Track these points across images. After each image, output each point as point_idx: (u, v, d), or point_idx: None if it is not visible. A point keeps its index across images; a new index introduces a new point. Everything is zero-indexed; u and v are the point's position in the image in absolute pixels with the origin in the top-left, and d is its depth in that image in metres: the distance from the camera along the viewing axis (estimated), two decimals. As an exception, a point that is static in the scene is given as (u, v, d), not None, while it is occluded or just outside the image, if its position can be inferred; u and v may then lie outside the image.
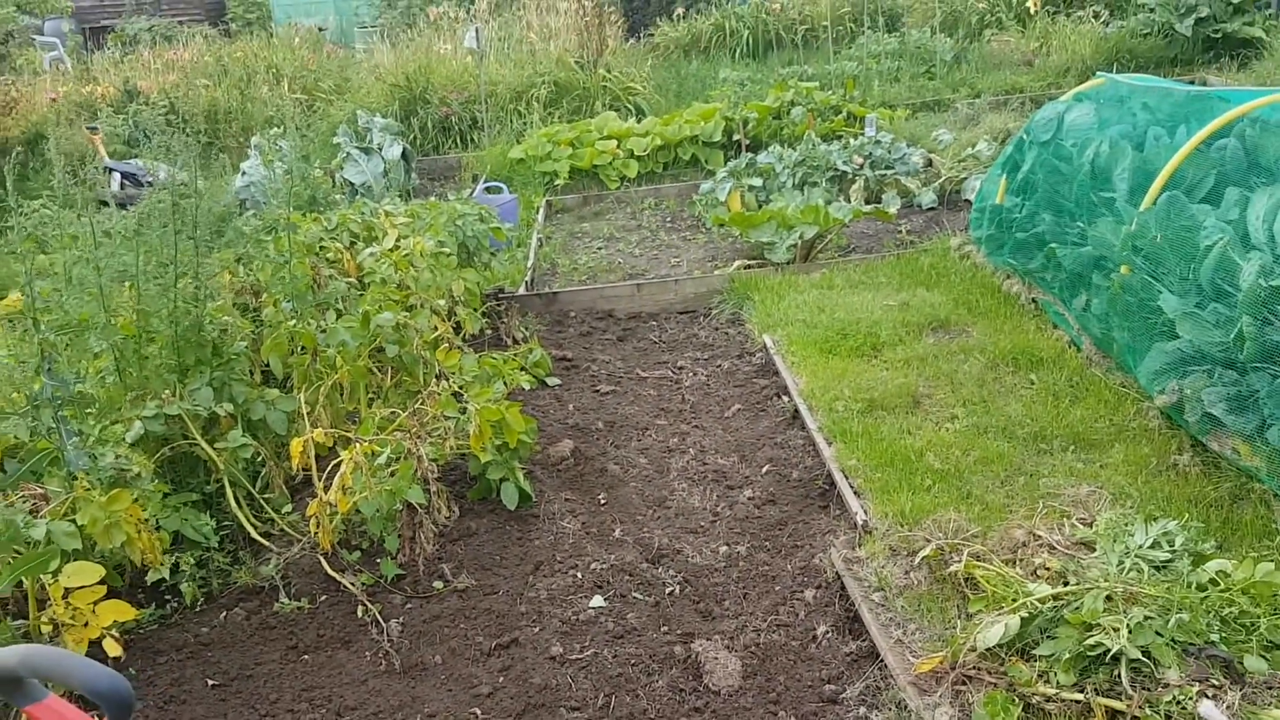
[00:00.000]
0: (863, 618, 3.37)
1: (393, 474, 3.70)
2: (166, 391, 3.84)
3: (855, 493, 4.02)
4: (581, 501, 4.36)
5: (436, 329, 4.83)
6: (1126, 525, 3.25)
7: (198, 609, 3.71)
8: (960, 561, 3.30)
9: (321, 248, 5.49)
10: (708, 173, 10.33)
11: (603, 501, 4.36)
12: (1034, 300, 5.56)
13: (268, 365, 4.47)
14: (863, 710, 3.00)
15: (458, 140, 12.71)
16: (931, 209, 8.37)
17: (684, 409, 5.27)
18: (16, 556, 3.19)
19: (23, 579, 3.25)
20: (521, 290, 7.04)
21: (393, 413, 4.10)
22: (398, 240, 5.58)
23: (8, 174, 3.77)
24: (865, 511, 3.85)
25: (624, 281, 7.27)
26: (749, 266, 7.17)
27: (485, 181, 9.72)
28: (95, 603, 3.25)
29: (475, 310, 5.44)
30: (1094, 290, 4.83)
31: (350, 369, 4.28)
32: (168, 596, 3.73)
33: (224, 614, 3.68)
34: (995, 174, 6.35)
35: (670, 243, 8.53)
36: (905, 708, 2.93)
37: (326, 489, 3.66)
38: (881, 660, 3.16)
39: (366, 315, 4.42)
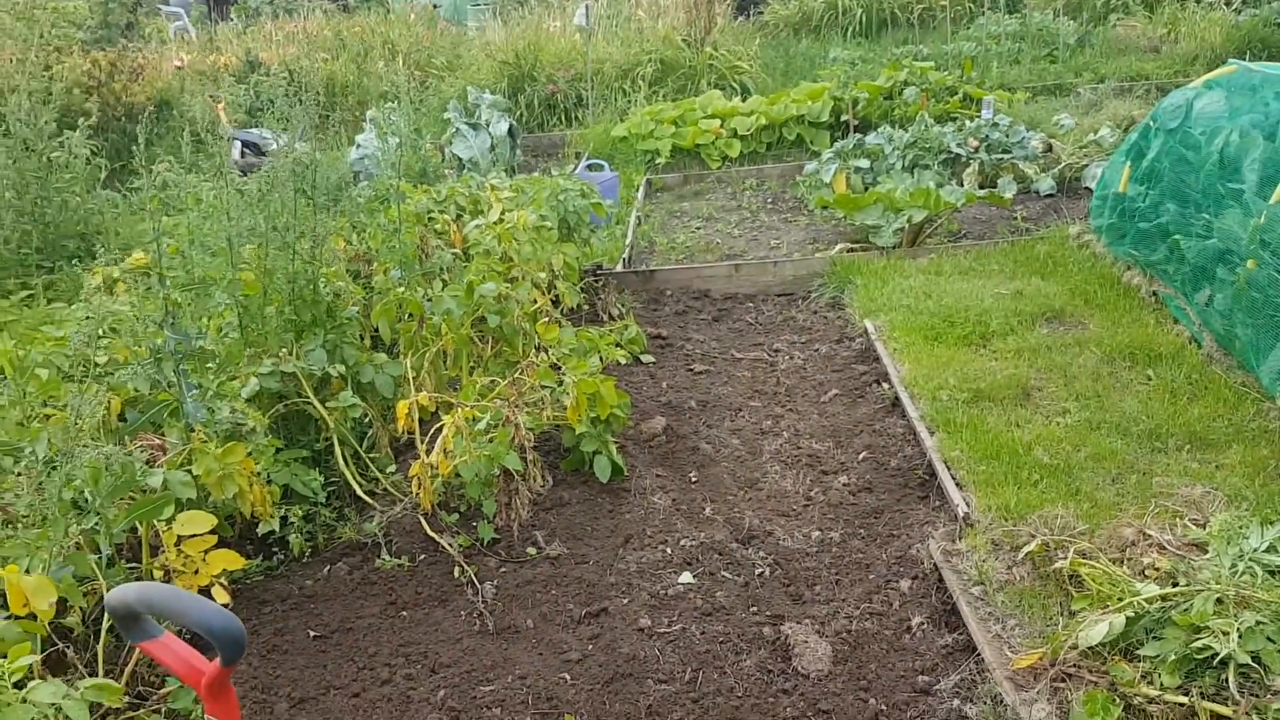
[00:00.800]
0: (960, 610, 3.29)
1: (491, 440, 3.76)
2: (283, 350, 3.97)
3: (957, 484, 3.92)
4: (672, 478, 4.36)
5: (536, 301, 4.88)
6: (1241, 528, 3.10)
7: (303, 561, 3.84)
8: (1066, 558, 3.19)
9: (430, 219, 5.60)
10: (812, 154, 10.18)
11: (694, 480, 4.35)
12: (1155, 293, 5.33)
13: (376, 330, 4.58)
14: (956, 703, 2.94)
15: (562, 117, 12.81)
16: (1050, 196, 8.09)
17: (779, 392, 5.22)
18: (133, 501, 3.34)
19: (137, 526, 3.41)
20: (619, 267, 7.06)
21: (492, 381, 4.16)
22: (502, 214, 5.65)
23: (137, 137, 3.93)
24: (967, 504, 3.76)
25: (721, 262, 7.23)
26: (852, 250, 7.05)
27: (587, 159, 9.77)
28: (206, 551, 3.39)
29: (574, 284, 5.47)
30: (1218, 285, 4.61)
31: (454, 337, 4.36)
32: (275, 549, 3.87)
33: (328, 568, 3.80)
34: (1119, 161, 6.09)
35: (770, 224, 8.44)
36: (1001, 702, 2.86)
37: (429, 451, 3.74)
38: (978, 654, 3.09)
39: (470, 285, 4.49)
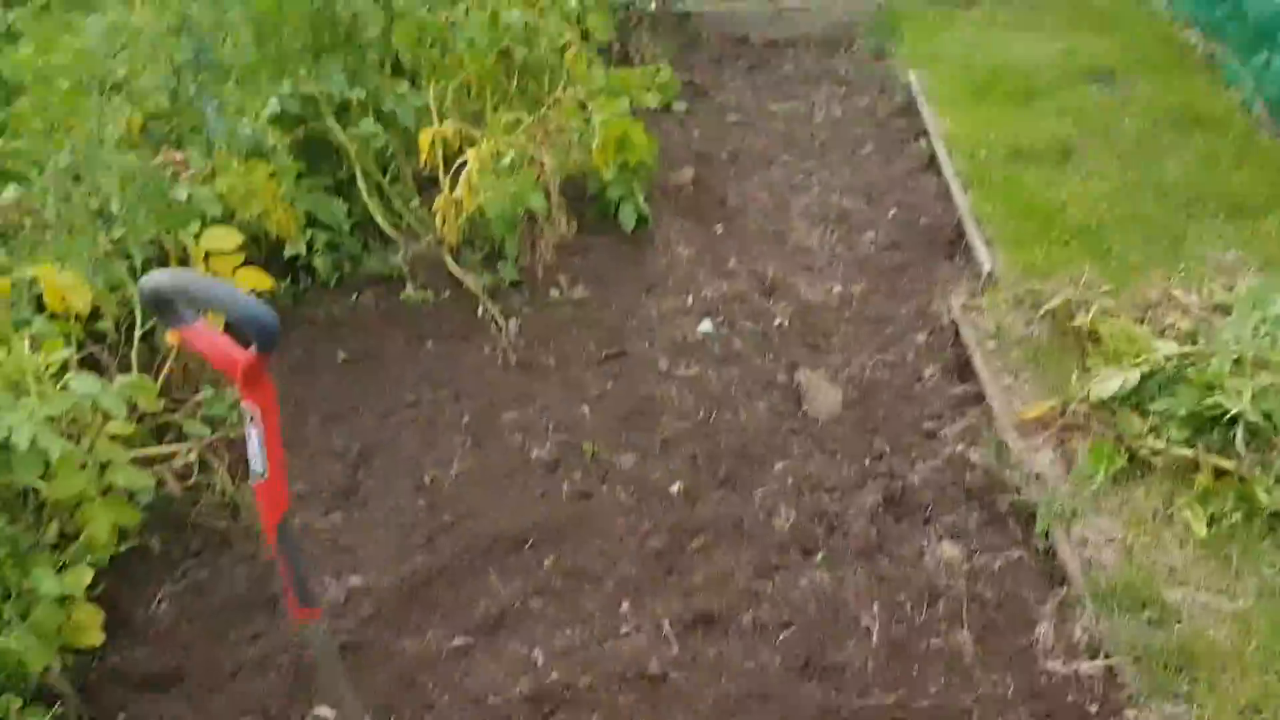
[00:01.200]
0: (974, 363, 3.34)
1: (516, 179, 3.70)
2: (302, 70, 3.85)
3: (986, 242, 3.87)
4: (698, 230, 4.33)
5: (564, 34, 4.65)
6: (1269, 293, 3.06)
7: (329, 289, 3.89)
8: (1088, 315, 3.19)
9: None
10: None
11: (719, 232, 4.32)
12: (1211, 55, 5.04)
13: (397, 60, 4.41)
14: (960, 448, 3.03)
15: None
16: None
17: (813, 145, 5.08)
18: (161, 213, 3.34)
19: (164, 241, 3.44)
20: (652, 5, 6.70)
21: (518, 119, 4.04)
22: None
23: None
24: (993, 260, 3.72)
25: (759, 5, 6.82)
26: (902, -3, 6.63)
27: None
28: (234, 269, 3.43)
29: (605, 19, 5.20)
30: (1278, 48, 4.34)
31: (478, 68, 4.20)
32: (301, 274, 3.91)
33: (354, 296, 3.86)
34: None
35: (818, -32, 7.90)
36: (1005, 448, 2.95)
37: (453, 187, 3.70)
38: (986, 404, 3.15)
39: (495, 13, 4.28)
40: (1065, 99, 4.89)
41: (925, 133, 4.94)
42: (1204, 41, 5.10)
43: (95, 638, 2.47)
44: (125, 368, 3.18)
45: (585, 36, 4.78)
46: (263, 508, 1.85)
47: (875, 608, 2.51)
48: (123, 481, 2.65)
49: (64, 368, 2.66)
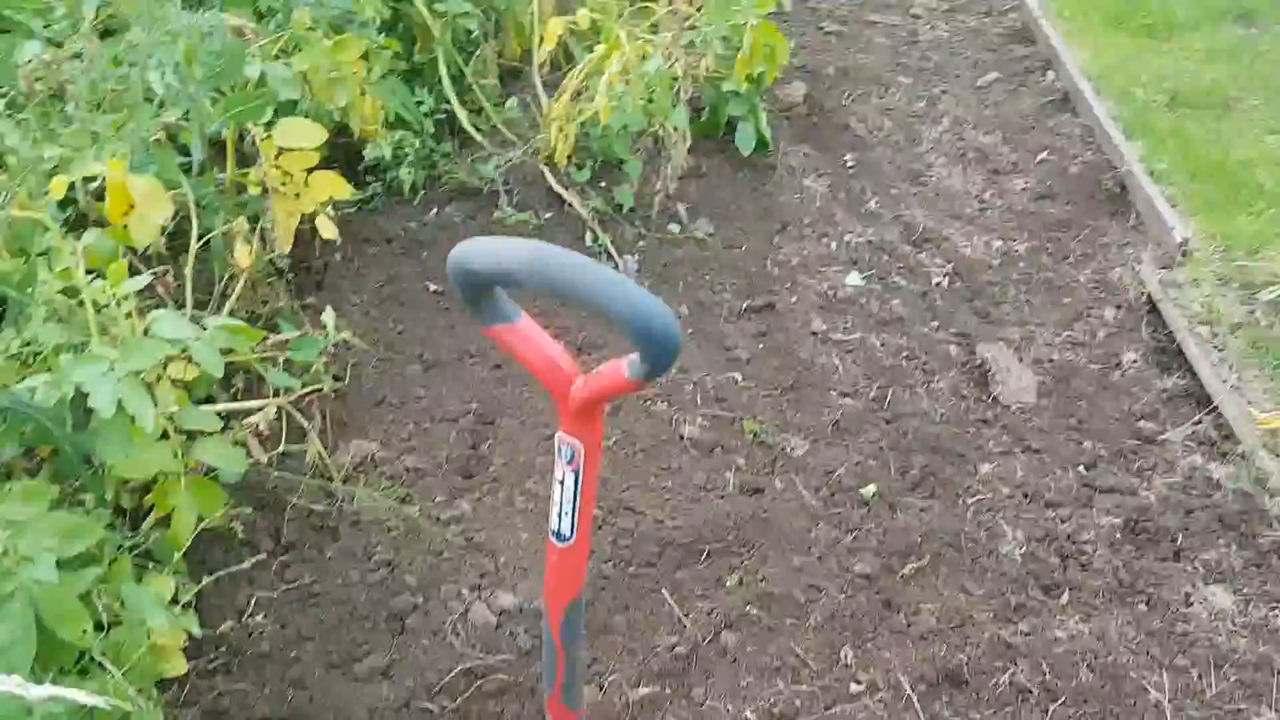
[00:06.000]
0: (1187, 352, 2.88)
1: (651, 88, 3.06)
2: (386, -70, 3.10)
3: (1169, 203, 3.38)
4: (824, 159, 3.75)
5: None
6: None
7: (409, 202, 3.23)
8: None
9: None
10: None
11: (849, 164, 3.74)
12: (1371, 5, 4.57)
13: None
14: (1197, 459, 2.59)
15: None
16: None
17: (926, 68, 4.49)
18: (228, 95, 2.63)
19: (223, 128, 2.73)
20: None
21: (637, 7, 3.37)
22: None
23: None
24: (1186, 228, 3.24)
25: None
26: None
27: None
28: (309, 170, 2.75)
29: None
30: None
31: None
32: (370, 180, 3.23)
33: (435, 211, 3.21)
34: None
35: None
36: (1253, 464, 2.52)
37: (578, 91, 3.04)
38: (1214, 406, 2.71)
39: None
40: (1208, 39, 4.38)
41: (1050, 64, 4.40)
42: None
43: (178, 665, 1.88)
44: (178, 293, 2.52)
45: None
46: (554, 578, 1.29)
47: (1160, 675, 2.07)
48: (210, 456, 2.04)
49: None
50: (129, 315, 1.93)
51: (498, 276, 1.07)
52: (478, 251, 1.06)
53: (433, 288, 2.95)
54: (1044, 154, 3.83)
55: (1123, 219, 3.49)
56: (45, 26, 2.89)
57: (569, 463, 1.18)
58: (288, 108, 2.78)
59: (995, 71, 4.42)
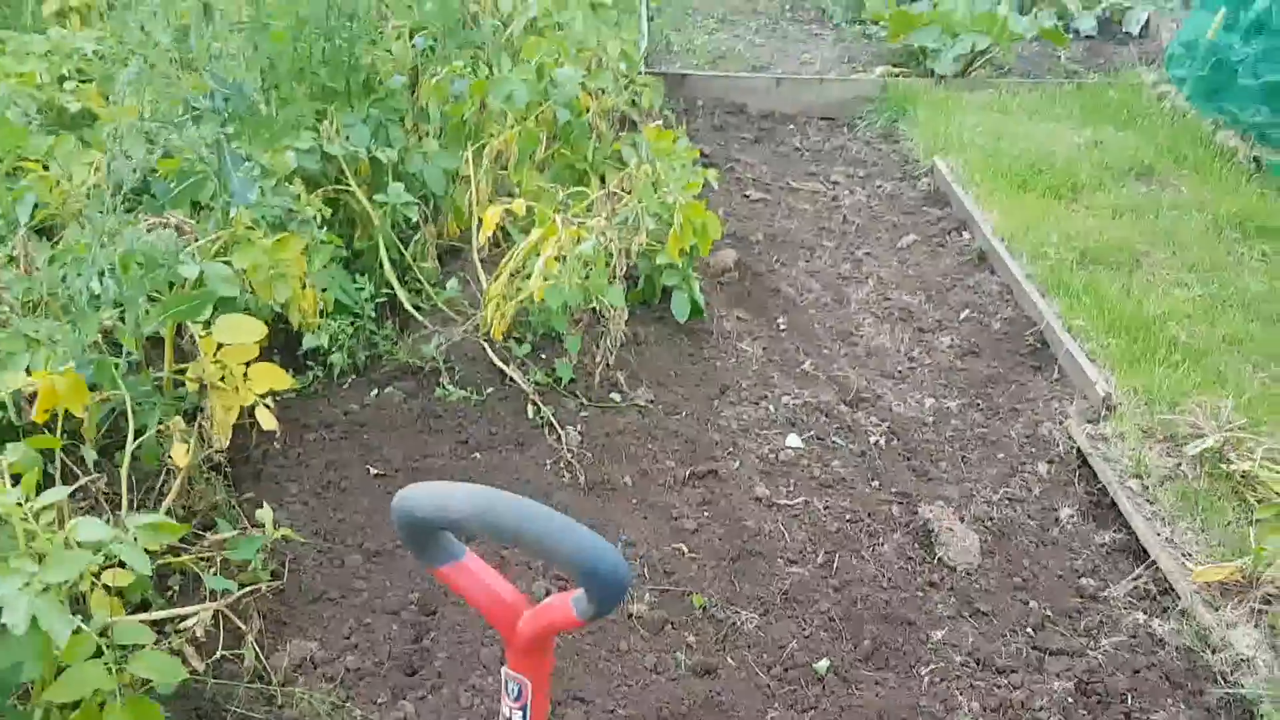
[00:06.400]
0: (1120, 506, 2.95)
1: (588, 265, 3.15)
2: (325, 123, 3.21)
3: (1088, 357, 3.52)
4: (757, 323, 3.86)
5: (616, 95, 4.13)
6: None
7: (348, 384, 3.23)
8: (1254, 459, 2.85)
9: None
10: (832, -39, 9.27)
11: (782, 327, 3.86)
12: (1256, 159, 4.92)
13: (416, 115, 3.81)
14: (1139, 616, 2.62)
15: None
16: (1090, 36, 7.49)
17: (848, 231, 4.70)
18: (163, 295, 2.65)
19: (160, 327, 2.74)
20: (642, 67, 6.25)
21: (572, 192, 3.50)
22: (544, -17, 4.77)
23: None
24: (1108, 383, 3.37)
25: (759, 74, 6.48)
26: (895, 74, 6.40)
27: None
28: (248, 364, 2.75)
29: (656, 84, 4.69)
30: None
31: (521, 131, 3.64)
32: (309, 364, 3.24)
33: (375, 392, 3.20)
34: (1210, 7, 5.53)
35: (794, 35, 7.66)
36: (1192, 619, 2.56)
37: (515, 271, 3.12)
38: (1151, 560, 2.76)
39: (542, 68, 3.73)
40: (1113, 197, 4.66)
41: (965, 225, 4.64)
42: (1246, 146, 4.97)
43: None
44: (112, 493, 2.46)
45: (635, 102, 4.29)
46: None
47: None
48: (146, 670, 1.95)
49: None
50: (50, 524, 1.88)
51: (443, 523, 1.08)
52: (422, 497, 1.07)
53: (373, 471, 2.92)
54: (966, 311, 3.99)
55: (1047, 373, 3.62)
56: (-20, 228, 2.92)
57: (516, 699, 1.16)
58: (227, 303, 2.80)
59: (914, 234, 4.63)
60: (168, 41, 3.27)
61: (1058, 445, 3.26)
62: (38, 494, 1.91)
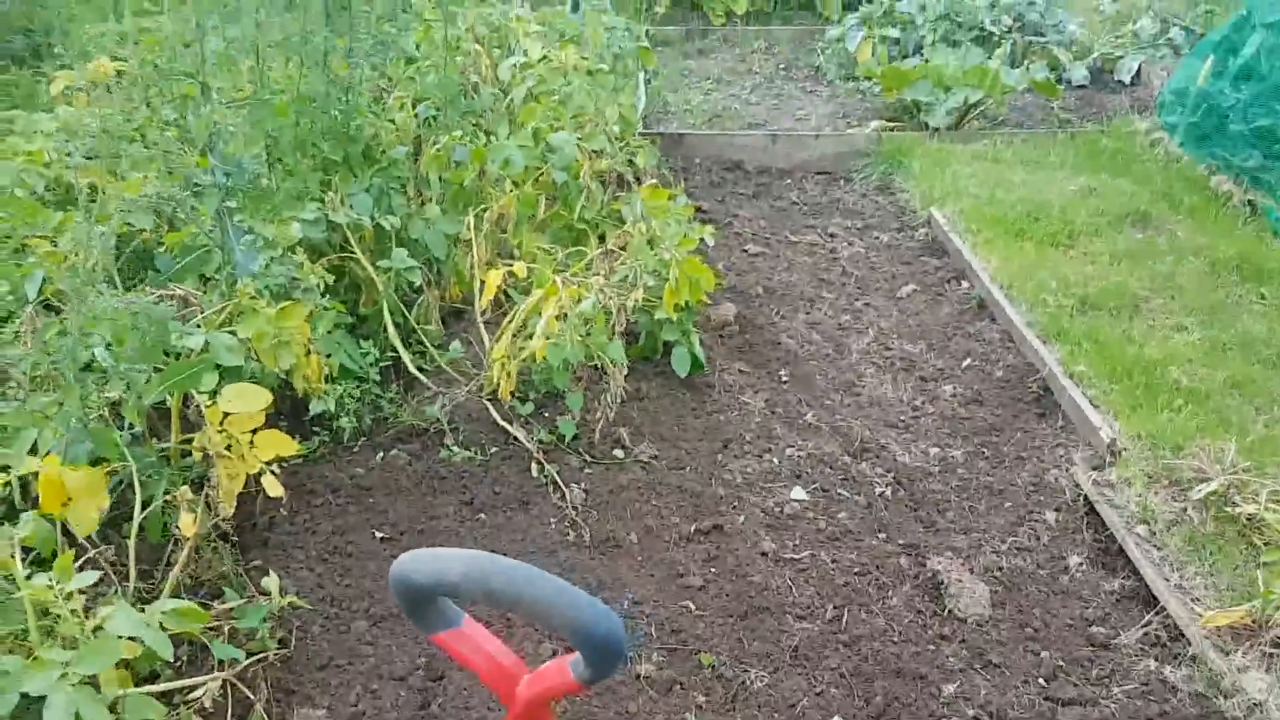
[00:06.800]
0: (1128, 553, 2.94)
1: (589, 323, 3.18)
2: (330, 194, 3.27)
3: (1091, 403, 3.53)
4: (759, 375, 3.88)
5: (612, 157, 4.21)
6: None
7: (351, 446, 3.25)
8: (1260, 502, 2.84)
9: (459, 46, 4.80)
10: (824, 18, 9.47)
11: (784, 379, 3.87)
12: (1250, 202, 4.96)
13: (418, 181, 3.88)
14: (1151, 664, 2.60)
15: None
16: (1082, 86, 7.60)
17: (847, 283, 4.74)
18: (166, 365, 2.68)
19: (166, 396, 2.77)
20: (640, 127, 6.36)
21: (570, 252, 3.55)
22: (544, 51, 4.89)
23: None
24: (1112, 429, 3.37)
25: (755, 131, 6.58)
26: (889, 128, 6.49)
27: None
28: (253, 431, 2.78)
29: (650, 145, 4.76)
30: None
31: (520, 194, 3.70)
32: (315, 429, 3.26)
33: (380, 455, 3.22)
34: (1199, 54, 5.63)
35: (790, 93, 7.78)
36: (1204, 664, 2.53)
37: (517, 331, 3.15)
38: (1160, 606, 2.74)
39: (539, 133, 3.81)
40: (1108, 243, 4.69)
41: (964, 274, 4.67)
42: (1240, 190, 5.01)
43: None
44: (119, 563, 2.48)
45: (631, 162, 4.36)
46: None
47: None
48: (158, 750, 1.95)
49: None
50: (75, 612, 1.89)
51: (440, 589, 1.09)
52: (419, 565, 1.08)
53: (379, 535, 2.93)
54: (968, 360, 4.01)
55: (1051, 420, 3.63)
56: (-10, 302, 2.96)
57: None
58: (233, 372, 2.83)
59: (913, 283, 4.67)
60: (172, 118, 3.37)
61: (1064, 493, 3.25)
62: (41, 568, 1.94)
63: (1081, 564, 2.98)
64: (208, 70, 2.82)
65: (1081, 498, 3.19)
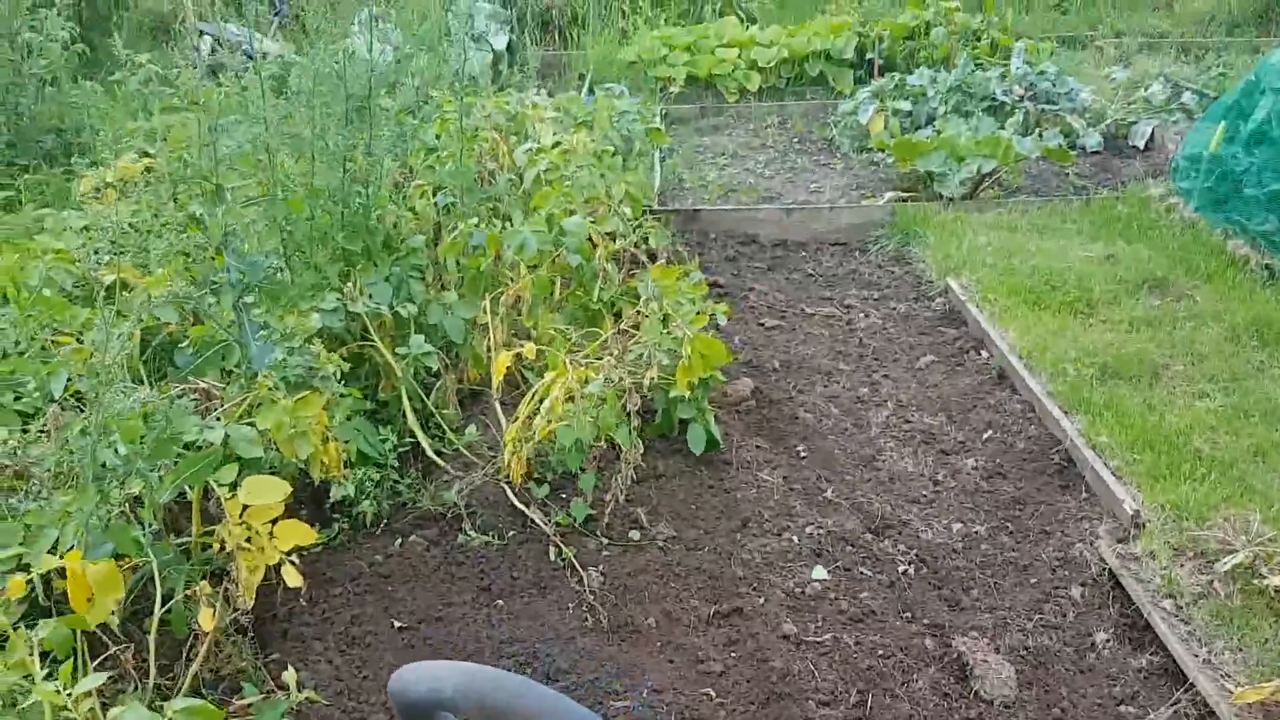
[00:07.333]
0: (1155, 628, 2.88)
1: (600, 403, 3.21)
2: (349, 285, 3.35)
3: (1114, 475, 3.49)
4: (775, 451, 3.87)
5: (625, 238, 4.27)
6: None
7: (369, 532, 3.27)
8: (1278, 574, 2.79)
9: (475, 136, 4.93)
10: (837, 93, 9.62)
11: (802, 455, 3.86)
12: (1268, 266, 4.94)
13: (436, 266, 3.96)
14: (1185, 746, 2.53)
15: (555, 36, 12.03)
16: (1096, 152, 7.65)
17: (865, 354, 4.74)
18: (181, 458, 2.72)
19: (186, 489, 2.81)
20: (654, 204, 6.46)
21: (584, 332, 3.59)
22: (557, 136, 5.00)
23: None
24: (1135, 500, 3.33)
25: (769, 205, 6.66)
26: (904, 199, 6.55)
27: (604, 83, 9.06)
28: (272, 522, 2.80)
29: (663, 228, 4.84)
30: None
31: (534, 278, 3.76)
32: (335, 516, 3.29)
33: (399, 541, 3.24)
34: (1211, 119, 5.67)
35: (803, 166, 7.88)
36: (1241, 749, 2.47)
37: (529, 415, 3.18)
38: (1189, 683, 2.68)
39: (551, 218, 3.89)
40: (1127, 310, 4.68)
41: (983, 344, 4.67)
42: (1258, 254, 5.00)
43: None
44: (139, 660, 2.49)
45: (645, 241, 4.43)
46: None
47: None
48: None
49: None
50: (92, 711, 1.90)
51: (437, 704, 1.10)
52: (415, 680, 1.09)
53: (397, 624, 2.92)
54: (989, 431, 3.98)
55: (1074, 492, 3.59)
56: (16, 399, 3.04)
57: None
58: (252, 463, 2.87)
59: (931, 354, 4.67)
60: (197, 213, 3.47)
61: (1090, 567, 3.20)
62: (73, 676, 1.95)
63: (1108, 640, 2.92)
64: (221, 172, 2.90)
65: (1106, 571, 3.15)
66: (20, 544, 2.43)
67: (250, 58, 3.88)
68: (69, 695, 1.87)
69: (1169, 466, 3.47)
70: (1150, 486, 3.39)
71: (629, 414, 3.38)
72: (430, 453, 3.47)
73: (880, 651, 2.90)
